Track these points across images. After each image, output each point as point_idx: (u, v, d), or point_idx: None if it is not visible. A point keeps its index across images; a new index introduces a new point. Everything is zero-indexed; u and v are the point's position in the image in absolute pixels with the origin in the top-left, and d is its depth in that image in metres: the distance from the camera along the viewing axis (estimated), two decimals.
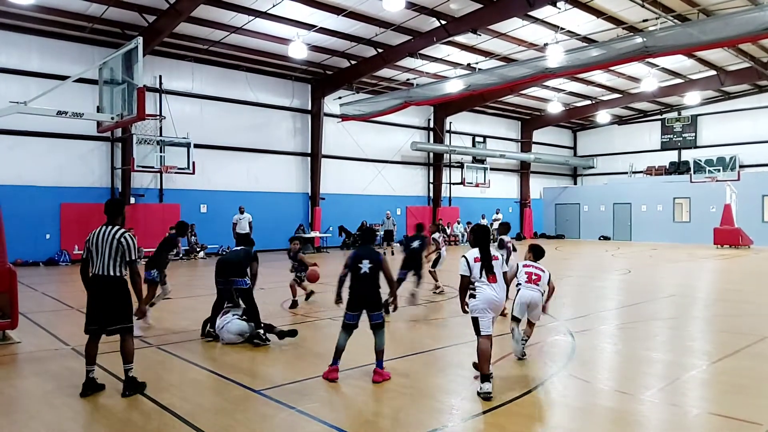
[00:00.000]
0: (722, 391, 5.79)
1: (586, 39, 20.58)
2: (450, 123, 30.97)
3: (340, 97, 25.47)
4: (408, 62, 22.54)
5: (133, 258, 5.49)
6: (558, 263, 18.56)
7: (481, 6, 18.07)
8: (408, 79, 24.98)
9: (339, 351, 6.04)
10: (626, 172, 35.36)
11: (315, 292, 10.88)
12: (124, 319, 5.50)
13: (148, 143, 19.73)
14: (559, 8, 17.14)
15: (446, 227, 28.57)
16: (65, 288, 14.03)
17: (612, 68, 23.57)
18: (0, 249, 7.69)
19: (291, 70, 23.93)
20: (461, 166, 30.94)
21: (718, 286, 14.80)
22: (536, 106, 32.64)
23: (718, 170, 27.58)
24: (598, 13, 18.63)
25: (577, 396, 5.70)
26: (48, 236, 19.00)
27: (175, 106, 21.35)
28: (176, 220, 19.80)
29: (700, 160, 28.37)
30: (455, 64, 23.18)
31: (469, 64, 22.97)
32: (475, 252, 5.74)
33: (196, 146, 20.84)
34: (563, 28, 19.17)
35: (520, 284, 6.86)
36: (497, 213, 31.02)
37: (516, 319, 6.75)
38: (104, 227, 5.55)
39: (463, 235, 29.15)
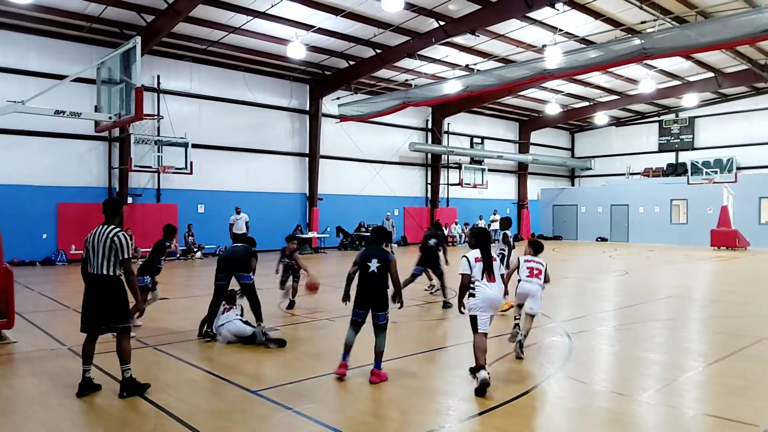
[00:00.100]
0: (719, 392, 5.81)
1: (584, 40, 20.63)
2: (448, 124, 30.99)
3: (338, 98, 25.47)
4: (406, 63, 22.55)
5: (126, 257, 5.46)
6: (555, 264, 18.56)
7: (480, 7, 18.09)
8: (406, 80, 24.99)
9: (347, 347, 6.11)
10: (624, 174, 35.43)
11: (295, 303, 10.46)
12: (118, 319, 5.48)
13: (146, 143, 19.72)
14: (558, 10, 17.17)
15: (444, 228, 28.56)
16: (62, 288, 14.00)
17: (610, 70, 23.66)
18: None
19: (289, 70, 23.92)
20: (459, 167, 30.96)
21: (714, 288, 14.82)
22: (534, 108, 32.68)
23: (716, 172, 27.65)
24: (596, 14, 18.66)
25: (574, 397, 5.71)
26: (45, 236, 18.96)
27: (173, 105, 21.33)
28: (174, 220, 19.89)
29: (697, 162, 28.42)
30: (454, 65, 23.20)
31: (467, 65, 22.99)
32: (476, 253, 5.91)
33: (194, 146, 20.81)
34: (561, 30, 19.19)
35: (521, 278, 7.23)
36: (495, 214, 31.03)
37: (519, 305, 7.38)
38: (101, 227, 5.56)
39: (461, 236, 29.15)
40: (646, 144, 34.91)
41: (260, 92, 23.99)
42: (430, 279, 12.19)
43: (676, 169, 32.88)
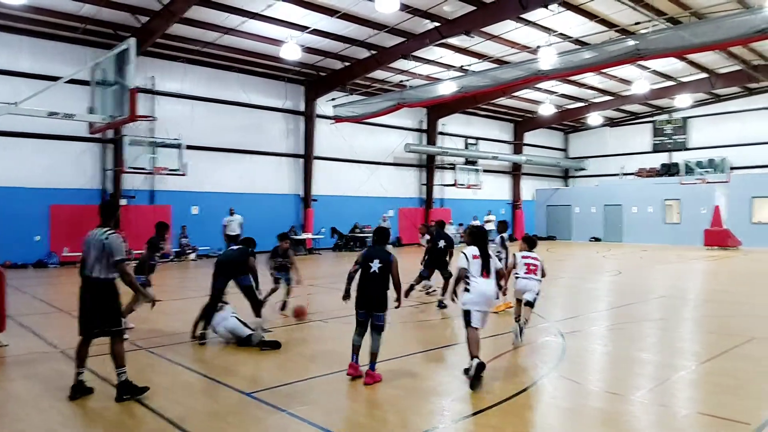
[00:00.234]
0: (711, 391, 5.84)
1: (578, 41, 20.70)
2: (443, 125, 31.02)
3: (333, 99, 25.45)
4: (401, 64, 22.56)
5: (118, 258, 5.41)
6: (550, 264, 18.44)
7: (474, 8, 18.11)
8: (401, 81, 25.00)
9: (355, 348, 6.14)
10: (617, 174, 35.55)
11: (287, 303, 10.25)
12: (110, 323, 5.45)
13: (140, 144, 19.66)
14: (552, 11, 17.22)
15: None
16: (54, 290, 13.94)
17: (604, 70, 23.76)
18: None
19: (284, 71, 23.90)
20: (454, 167, 31.01)
21: (707, 288, 14.90)
22: (528, 108, 32.74)
23: (708, 172, 27.81)
24: (590, 15, 18.73)
25: (568, 397, 5.73)
26: (37, 238, 18.86)
27: (167, 107, 21.28)
28: (167, 222, 19.78)
29: (690, 162, 28.58)
30: (448, 66, 23.23)
31: (462, 66, 23.02)
32: (474, 250, 6.13)
33: (188, 147, 20.75)
34: (556, 31, 19.26)
35: (518, 275, 7.56)
36: (489, 214, 31.08)
37: (519, 301, 7.68)
38: (97, 229, 5.54)
39: (455, 236, 29.12)
40: (640, 144, 35.05)
41: (255, 93, 23.96)
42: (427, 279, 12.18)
43: (669, 170, 33.01)
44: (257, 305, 8.08)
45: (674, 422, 4.99)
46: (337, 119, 25.19)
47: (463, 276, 6.06)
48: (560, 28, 19.37)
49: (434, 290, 11.90)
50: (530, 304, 7.60)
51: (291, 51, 18.95)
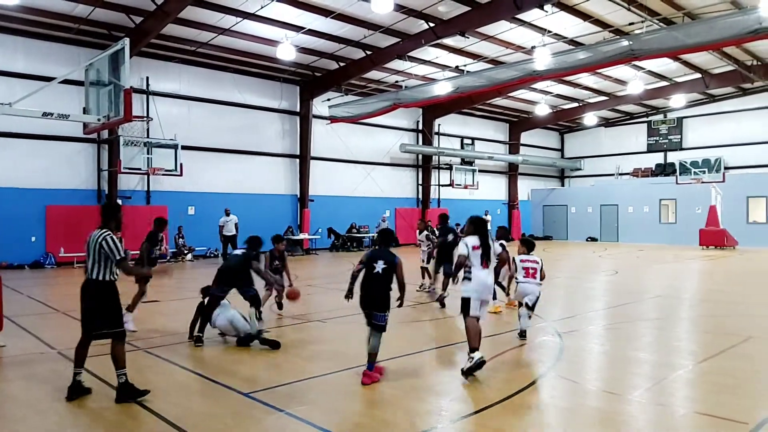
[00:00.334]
0: (708, 390, 5.85)
1: (573, 42, 20.76)
2: (438, 125, 31.06)
3: (328, 99, 25.45)
4: (396, 64, 22.57)
5: (118, 258, 5.39)
6: (546, 264, 18.59)
7: (469, 9, 18.14)
8: (396, 81, 25.01)
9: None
10: (613, 174, 35.67)
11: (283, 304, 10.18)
12: (109, 324, 5.43)
13: (135, 145, 19.60)
14: (547, 11, 17.28)
15: (435, 228, 28.59)
16: (51, 291, 13.89)
17: (599, 71, 23.84)
18: None
19: (279, 71, 23.87)
20: (450, 167, 31.04)
21: (703, 287, 14.95)
22: (524, 109, 32.82)
23: (704, 172, 27.92)
24: (584, 16, 18.78)
25: (565, 396, 5.73)
26: (33, 239, 18.78)
27: (163, 107, 21.22)
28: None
29: (685, 162, 28.69)
30: (443, 67, 23.25)
31: (457, 67, 23.05)
32: (474, 240, 6.20)
33: (184, 148, 20.69)
34: (550, 31, 19.30)
35: (518, 279, 7.67)
36: (486, 215, 31.10)
37: (519, 303, 7.81)
38: (96, 230, 5.53)
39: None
40: (635, 144, 35.17)
41: (250, 93, 23.92)
42: (423, 278, 12.21)
43: (664, 169, 33.14)
44: (258, 304, 7.98)
45: (672, 421, 5.00)
46: (333, 119, 25.18)
47: (463, 262, 6.15)
48: (555, 29, 19.42)
49: (433, 289, 11.95)
50: (530, 308, 7.68)
51: (286, 51, 18.95)
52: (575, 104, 32.01)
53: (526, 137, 36.04)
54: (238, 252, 8.32)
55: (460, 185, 30.89)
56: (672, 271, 18.15)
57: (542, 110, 30.59)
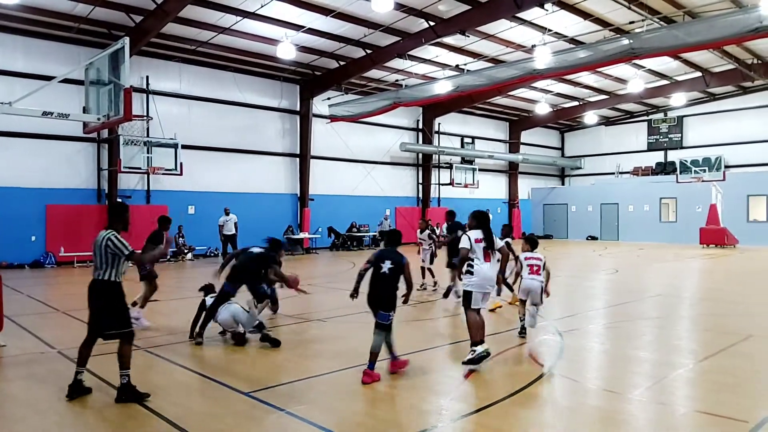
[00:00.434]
0: (709, 389, 5.85)
1: (573, 40, 20.74)
2: (439, 124, 31.05)
3: (329, 98, 25.43)
4: (397, 63, 22.56)
5: (127, 253, 5.39)
6: (546, 263, 18.64)
7: (470, 7, 18.14)
8: (397, 80, 25.01)
9: (388, 346, 6.18)
10: (613, 173, 35.65)
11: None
12: (119, 325, 5.43)
13: (135, 144, 19.60)
14: (547, 10, 17.25)
15: (435, 227, 28.59)
16: (51, 290, 13.89)
17: (599, 69, 23.80)
18: None
19: (279, 70, 23.86)
20: (450, 166, 31.02)
21: (703, 286, 14.95)
22: (524, 107, 32.80)
23: (704, 170, 27.92)
24: (585, 14, 18.76)
25: (566, 395, 5.73)
26: (33, 238, 18.79)
27: (163, 106, 21.21)
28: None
29: (686, 161, 28.70)
30: (444, 66, 23.24)
31: (457, 66, 23.04)
32: (477, 233, 6.32)
33: (184, 147, 20.68)
34: (551, 30, 19.29)
35: (523, 276, 7.73)
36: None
37: (523, 301, 7.78)
38: (102, 231, 5.53)
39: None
40: (635, 143, 35.15)
41: (250, 93, 23.91)
42: (423, 277, 12.23)
43: (665, 168, 33.12)
44: (261, 298, 8.05)
45: (672, 420, 5.00)
46: (333, 118, 25.17)
47: (466, 255, 6.24)
48: (555, 27, 19.41)
49: (434, 288, 11.96)
50: (536, 304, 7.74)
51: (286, 50, 18.95)
52: (575, 103, 32.00)
53: (526, 136, 36.03)
54: (256, 250, 8.08)
55: (460, 184, 30.88)
56: (672, 269, 18.14)
57: (542, 109, 30.58)
